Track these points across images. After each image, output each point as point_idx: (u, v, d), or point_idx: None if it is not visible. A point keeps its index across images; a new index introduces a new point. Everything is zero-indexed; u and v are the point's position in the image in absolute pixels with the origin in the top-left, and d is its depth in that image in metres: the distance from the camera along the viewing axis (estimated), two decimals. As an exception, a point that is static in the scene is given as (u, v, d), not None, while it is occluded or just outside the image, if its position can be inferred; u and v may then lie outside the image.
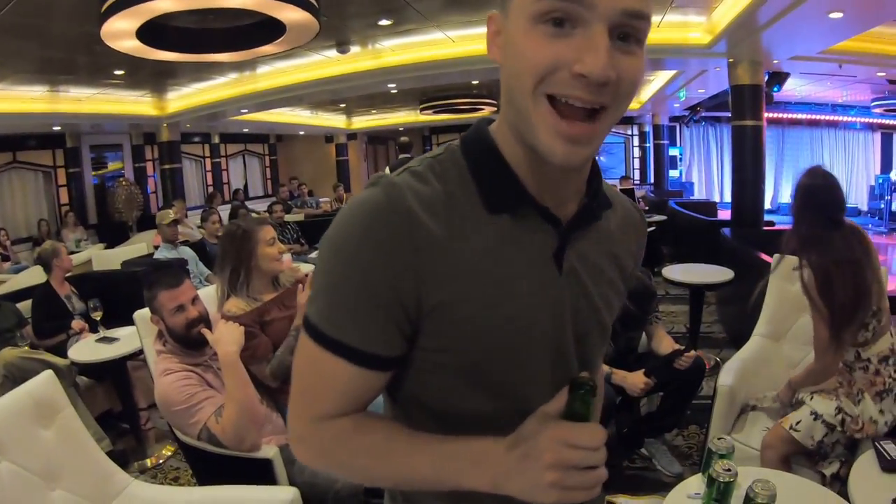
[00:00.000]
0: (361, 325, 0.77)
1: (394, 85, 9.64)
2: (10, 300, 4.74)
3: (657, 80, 12.20)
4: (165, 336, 2.46)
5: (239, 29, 5.52)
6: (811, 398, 2.42)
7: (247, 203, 13.07)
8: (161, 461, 3.81)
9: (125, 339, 3.83)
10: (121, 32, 4.86)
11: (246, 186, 16.84)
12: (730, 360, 3.07)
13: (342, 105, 14.10)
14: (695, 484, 2.02)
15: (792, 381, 2.67)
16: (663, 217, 8.91)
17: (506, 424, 0.78)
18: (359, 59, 8.41)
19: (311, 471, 2.27)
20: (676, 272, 5.08)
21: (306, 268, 3.58)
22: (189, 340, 2.42)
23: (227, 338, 2.29)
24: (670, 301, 6.65)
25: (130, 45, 5.24)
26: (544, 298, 0.83)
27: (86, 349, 3.88)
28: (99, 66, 7.26)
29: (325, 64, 8.65)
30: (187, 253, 5.84)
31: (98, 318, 4.15)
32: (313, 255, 6.84)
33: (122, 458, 3.68)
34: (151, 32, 4.99)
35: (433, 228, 0.76)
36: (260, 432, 2.34)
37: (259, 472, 2.28)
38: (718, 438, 1.94)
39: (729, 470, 1.74)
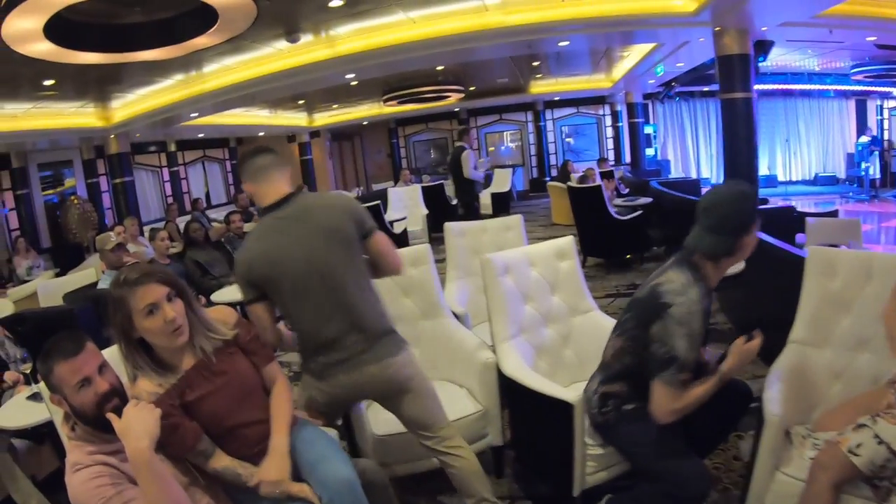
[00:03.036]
0: None
1: (353, 75, 9.09)
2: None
3: (632, 56, 11.75)
4: (73, 419, 1.87)
5: (167, 21, 4.91)
6: (874, 421, 2.03)
7: (208, 212, 12.46)
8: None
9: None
10: (27, 34, 4.24)
11: (208, 195, 16.30)
12: (768, 376, 2.55)
13: (301, 101, 13.68)
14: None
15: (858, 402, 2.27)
16: (648, 199, 8.38)
17: None
18: (312, 49, 7.91)
19: None
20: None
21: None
22: (102, 422, 1.80)
23: (136, 429, 1.71)
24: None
25: (44, 49, 4.64)
26: None
27: (16, 410, 3.26)
28: (23, 77, 6.63)
29: (276, 57, 8.15)
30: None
31: (27, 372, 3.61)
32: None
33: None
34: (65, 31, 4.37)
35: None
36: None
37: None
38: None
39: None
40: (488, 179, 11.73)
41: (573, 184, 8.79)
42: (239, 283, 2.38)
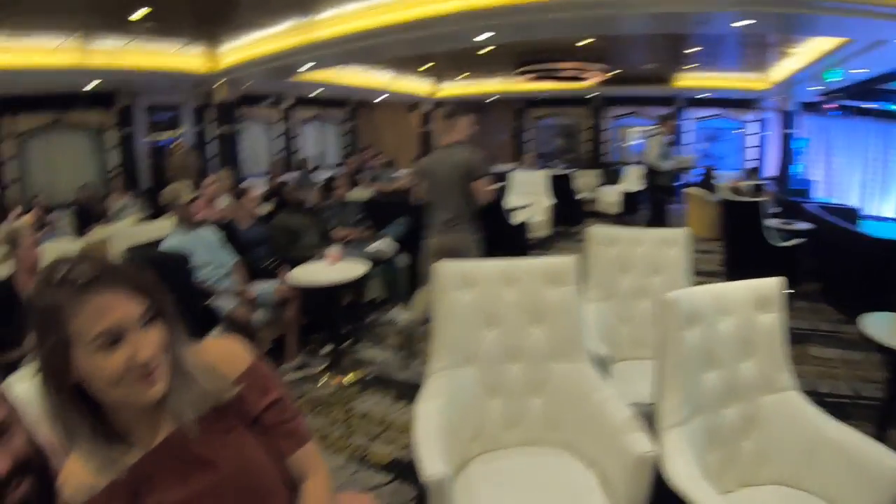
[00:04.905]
0: None
1: (487, 35, 7.95)
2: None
3: (803, 55, 10.25)
4: None
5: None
6: None
7: (317, 173, 11.91)
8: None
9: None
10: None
11: (321, 155, 15.86)
12: None
13: (428, 65, 12.85)
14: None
15: None
16: (808, 225, 6.96)
17: None
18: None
19: None
20: (878, 326, 3.02)
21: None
22: None
23: None
24: (852, 361, 4.47)
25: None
26: None
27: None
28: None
29: (400, 5, 7.26)
30: (205, 237, 4.44)
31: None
32: (378, 243, 5.45)
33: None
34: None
35: None
36: None
37: None
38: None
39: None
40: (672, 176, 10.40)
41: (728, 195, 7.54)
42: (415, 171, 4.79)
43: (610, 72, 12.48)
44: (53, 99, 10.02)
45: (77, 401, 1.08)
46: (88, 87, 9.82)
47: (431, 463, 1.86)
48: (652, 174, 7.66)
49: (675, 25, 7.64)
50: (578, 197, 10.31)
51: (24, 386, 1.30)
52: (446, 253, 3.70)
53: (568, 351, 2.45)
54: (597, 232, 3.38)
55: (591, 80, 12.28)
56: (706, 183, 10.59)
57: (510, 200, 8.72)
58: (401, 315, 5.25)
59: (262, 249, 4.99)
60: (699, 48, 10.77)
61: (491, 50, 9.80)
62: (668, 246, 3.36)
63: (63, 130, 10.56)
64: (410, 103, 17.07)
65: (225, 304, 4.19)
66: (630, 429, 2.05)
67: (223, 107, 10.84)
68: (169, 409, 1.15)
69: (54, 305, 1.02)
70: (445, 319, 2.42)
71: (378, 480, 3.01)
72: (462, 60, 11.68)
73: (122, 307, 1.05)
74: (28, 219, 6.61)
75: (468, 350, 2.41)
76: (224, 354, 1.29)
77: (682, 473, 1.83)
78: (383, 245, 5.41)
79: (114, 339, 1.03)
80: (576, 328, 2.46)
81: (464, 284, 2.42)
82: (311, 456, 1.34)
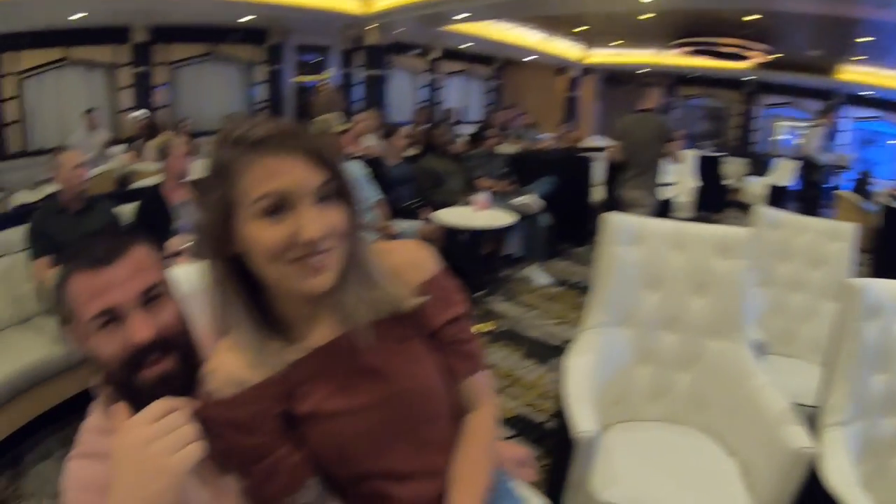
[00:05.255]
0: None
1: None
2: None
3: None
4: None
5: None
6: None
7: (460, 127, 12.02)
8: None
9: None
10: None
11: (464, 110, 15.82)
12: None
13: (582, 28, 12.50)
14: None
15: None
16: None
17: None
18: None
19: None
20: None
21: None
22: (133, 394, 0.99)
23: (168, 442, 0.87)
24: None
25: None
26: None
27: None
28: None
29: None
30: (351, 171, 4.48)
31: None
32: (523, 197, 5.37)
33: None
34: None
35: None
36: None
37: None
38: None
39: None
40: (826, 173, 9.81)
41: (889, 202, 6.97)
42: (615, 133, 5.44)
43: (772, 54, 11.73)
44: (207, 31, 10.46)
45: (236, 279, 0.98)
46: (243, 20, 10.17)
47: (583, 419, 1.79)
48: (807, 169, 7.22)
49: (848, 7, 7.10)
50: (725, 183, 9.88)
51: (181, 270, 1.21)
52: (630, 205, 4.96)
53: (727, 328, 2.30)
54: (764, 212, 3.19)
55: (752, 61, 11.60)
56: (860, 189, 9.77)
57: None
58: (536, 274, 5.22)
59: (407, 189, 5.06)
60: (871, 38, 9.89)
61: (651, 17, 9.46)
62: (834, 239, 3.11)
63: (214, 62, 11.10)
64: (558, 67, 16.65)
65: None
66: (787, 421, 1.88)
67: (372, 50, 10.92)
68: (339, 309, 1.01)
69: (223, 162, 0.93)
70: (607, 274, 2.32)
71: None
72: (618, 25, 11.27)
73: (295, 173, 0.91)
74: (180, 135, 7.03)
75: (626, 310, 2.32)
76: (409, 259, 1.12)
77: (840, 477, 1.68)
78: (529, 200, 5.34)
79: (279, 206, 0.90)
80: (739, 305, 2.30)
81: (631, 241, 2.31)
82: (484, 385, 1.18)
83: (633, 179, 5.14)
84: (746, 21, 9.40)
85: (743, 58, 11.24)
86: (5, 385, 2.77)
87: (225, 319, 1.00)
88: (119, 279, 0.98)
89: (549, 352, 3.95)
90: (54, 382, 3.00)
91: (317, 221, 0.90)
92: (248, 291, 0.99)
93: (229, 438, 0.97)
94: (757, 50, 10.87)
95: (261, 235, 0.90)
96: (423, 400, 1.08)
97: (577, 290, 5.14)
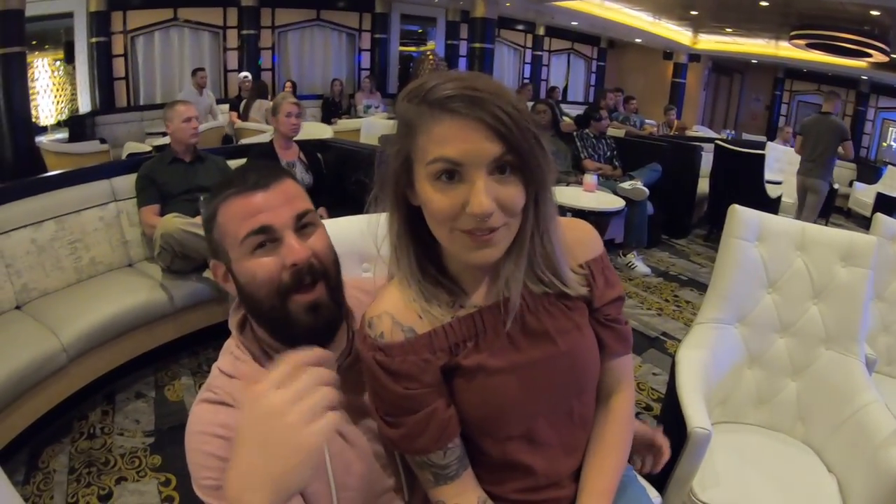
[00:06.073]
0: None
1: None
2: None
3: None
4: (243, 309, 1.12)
5: None
6: None
7: (561, 105, 11.94)
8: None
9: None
10: None
11: (566, 89, 15.76)
12: None
13: (692, 13, 12.18)
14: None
15: None
16: None
17: None
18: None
19: None
20: None
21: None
22: (284, 326, 1.04)
23: (302, 410, 0.75)
24: None
25: None
26: None
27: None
28: None
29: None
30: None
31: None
32: (626, 184, 5.27)
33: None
34: None
35: None
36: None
37: None
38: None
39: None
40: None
41: None
42: (801, 129, 6.07)
43: (892, 54, 11.14)
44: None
45: (412, 230, 1.00)
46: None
47: (699, 415, 1.78)
48: None
49: None
50: (835, 187, 9.54)
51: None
52: (806, 189, 6.20)
53: (843, 340, 2.21)
54: (885, 220, 3.08)
55: (870, 59, 11.03)
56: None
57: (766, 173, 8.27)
58: (637, 262, 5.19)
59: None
60: None
61: (770, 6, 9.13)
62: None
63: (320, 27, 11.40)
64: (665, 51, 16.25)
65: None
66: (893, 444, 1.78)
67: (479, 23, 10.90)
68: (505, 277, 1.00)
69: (408, 115, 0.91)
70: (728, 268, 2.26)
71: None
72: (732, 12, 10.93)
73: (472, 141, 0.86)
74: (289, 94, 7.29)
75: (743, 308, 2.26)
76: (579, 235, 1.13)
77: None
78: (637, 186, 5.24)
79: (452, 172, 0.87)
80: (858, 316, 2.20)
81: (756, 237, 2.25)
82: (629, 368, 1.21)
83: (812, 170, 6.12)
84: (872, 16, 8.98)
85: (864, 55, 10.70)
86: (111, 324, 2.95)
87: (399, 268, 1.01)
88: (275, 202, 1.03)
89: (646, 343, 3.93)
90: (152, 327, 3.17)
91: (483, 195, 0.85)
92: (424, 244, 1.00)
93: (387, 385, 0.99)
94: (877, 49, 10.34)
95: (432, 198, 0.89)
96: (583, 367, 1.09)
97: (677, 282, 5.09)
